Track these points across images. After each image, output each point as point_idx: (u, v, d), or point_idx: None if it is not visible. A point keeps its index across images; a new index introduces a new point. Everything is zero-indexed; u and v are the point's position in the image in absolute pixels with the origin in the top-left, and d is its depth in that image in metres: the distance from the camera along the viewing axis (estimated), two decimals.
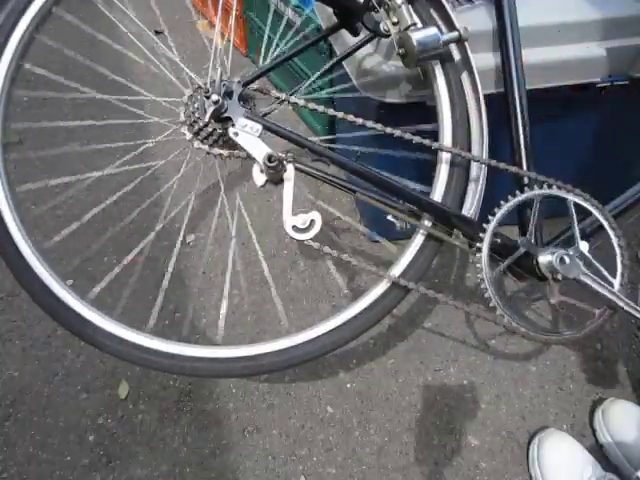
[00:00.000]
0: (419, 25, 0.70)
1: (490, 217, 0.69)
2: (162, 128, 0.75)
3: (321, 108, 0.70)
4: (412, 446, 0.87)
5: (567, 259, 0.66)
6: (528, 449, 0.86)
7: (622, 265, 0.69)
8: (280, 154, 0.67)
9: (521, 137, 0.74)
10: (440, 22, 0.74)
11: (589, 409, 0.92)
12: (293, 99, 0.72)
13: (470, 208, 0.73)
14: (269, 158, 0.66)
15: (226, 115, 0.68)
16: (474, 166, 0.73)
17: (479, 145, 0.73)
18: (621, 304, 0.68)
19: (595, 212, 0.70)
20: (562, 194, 0.70)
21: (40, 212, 1.14)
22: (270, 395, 0.92)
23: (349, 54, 0.80)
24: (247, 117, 0.68)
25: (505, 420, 0.90)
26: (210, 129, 0.69)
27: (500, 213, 0.69)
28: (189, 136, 0.70)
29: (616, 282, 0.69)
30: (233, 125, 0.68)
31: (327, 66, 0.82)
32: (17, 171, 1.24)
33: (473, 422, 0.90)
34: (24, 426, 0.86)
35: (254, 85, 0.73)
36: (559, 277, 0.67)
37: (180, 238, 0.75)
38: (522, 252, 0.69)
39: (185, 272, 1.10)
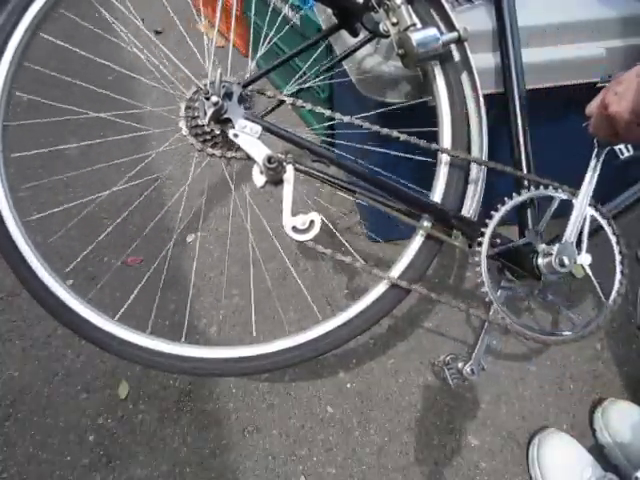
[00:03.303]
0: (419, 25, 0.70)
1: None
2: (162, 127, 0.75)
3: (318, 109, 0.70)
4: (412, 446, 0.87)
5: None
6: (528, 449, 0.86)
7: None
8: (280, 155, 0.67)
9: (521, 137, 0.74)
10: (440, 22, 0.74)
11: (589, 409, 0.92)
12: (291, 99, 0.72)
13: (469, 209, 0.73)
14: (269, 159, 0.66)
15: (226, 116, 0.68)
16: (473, 167, 0.73)
17: (478, 146, 0.73)
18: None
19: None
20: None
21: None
22: (270, 395, 0.92)
23: (349, 54, 0.80)
24: (247, 118, 0.68)
25: (505, 420, 0.90)
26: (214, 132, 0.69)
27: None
28: (191, 139, 0.70)
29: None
30: (233, 127, 0.68)
31: (327, 66, 0.82)
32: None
33: (473, 422, 0.90)
34: (24, 426, 0.86)
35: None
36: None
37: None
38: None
39: (185, 272, 1.10)
